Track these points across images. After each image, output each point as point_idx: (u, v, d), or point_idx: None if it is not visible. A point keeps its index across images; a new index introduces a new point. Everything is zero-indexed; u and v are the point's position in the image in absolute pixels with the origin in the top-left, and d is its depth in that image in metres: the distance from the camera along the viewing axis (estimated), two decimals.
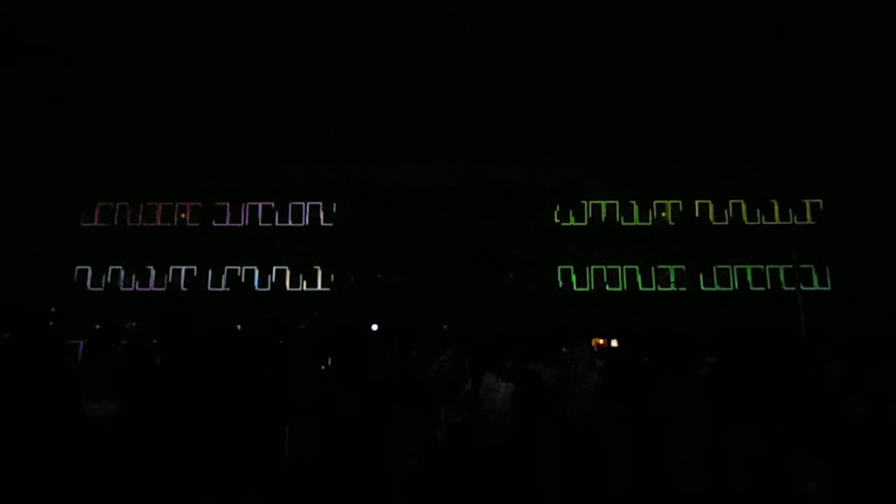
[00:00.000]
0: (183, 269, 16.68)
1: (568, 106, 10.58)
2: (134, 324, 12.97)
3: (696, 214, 16.47)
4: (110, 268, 16.56)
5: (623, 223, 16.48)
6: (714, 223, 16.46)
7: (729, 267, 16.25)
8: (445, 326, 15.26)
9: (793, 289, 14.15)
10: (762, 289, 15.95)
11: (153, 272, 16.63)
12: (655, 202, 16.55)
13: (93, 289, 16.42)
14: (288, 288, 16.57)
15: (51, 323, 13.16)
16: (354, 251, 16.79)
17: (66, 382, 3.97)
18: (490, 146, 13.71)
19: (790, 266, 15.12)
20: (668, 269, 16.29)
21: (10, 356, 4.00)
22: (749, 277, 16.19)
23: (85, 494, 3.58)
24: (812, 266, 15.70)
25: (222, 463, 3.87)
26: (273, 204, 16.93)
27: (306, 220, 16.95)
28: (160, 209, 16.91)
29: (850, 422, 4.06)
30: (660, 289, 16.12)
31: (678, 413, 5.05)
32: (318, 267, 16.74)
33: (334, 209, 16.73)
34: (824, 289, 15.78)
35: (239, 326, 14.31)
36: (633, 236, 16.36)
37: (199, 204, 16.82)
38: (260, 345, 5.65)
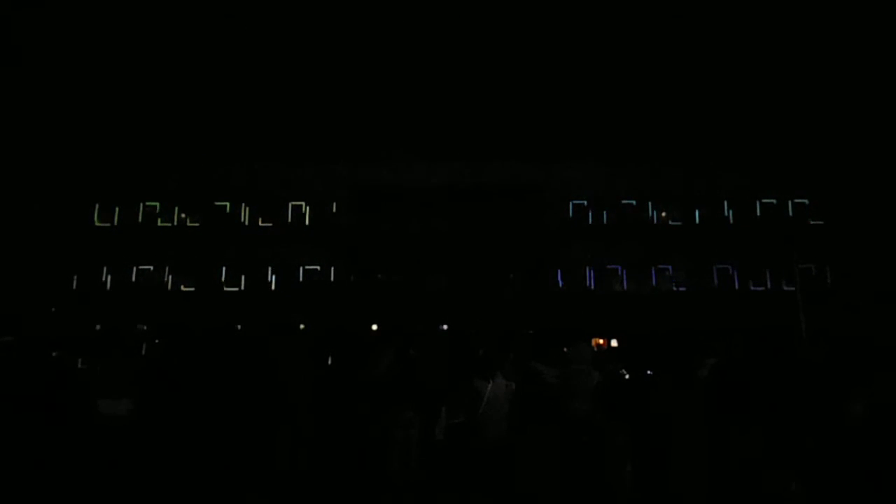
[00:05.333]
0: (182, 269, 16.67)
1: (568, 107, 10.58)
2: (145, 327, 12.99)
3: (697, 215, 16.49)
4: (107, 268, 16.56)
5: (623, 223, 16.48)
6: (714, 223, 16.47)
7: (729, 267, 16.27)
8: (445, 326, 15.28)
9: (793, 289, 14.16)
10: (762, 289, 15.96)
11: (153, 273, 16.63)
12: (656, 202, 16.56)
13: (92, 289, 16.41)
14: (287, 288, 16.56)
15: (51, 324, 13.18)
16: (354, 251, 16.79)
17: (70, 384, 3.99)
18: (490, 147, 13.71)
19: (790, 266, 15.12)
20: (667, 269, 16.30)
21: (13, 359, 4.02)
22: (749, 278, 16.20)
23: (94, 493, 3.60)
24: (812, 266, 15.71)
25: (222, 463, 3.88)
26: (273, 204, 16.93)
27: (306, 220, 16.96)
28: (159, 209, 16.92)
29: (849, 424, 4.06)
30: (660, 289, 16.12)
31: (678, 413, 5.05)
32: (318, 267, 16.74)
33: (334, 209, 16.73)
34: (824, 290, 15.78)
35: (238, 327, 14.33)
36: (633, 236, 16.37)
37: (200, 204, 16.83)
38: (259, 345, 5.66)
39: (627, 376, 5.64)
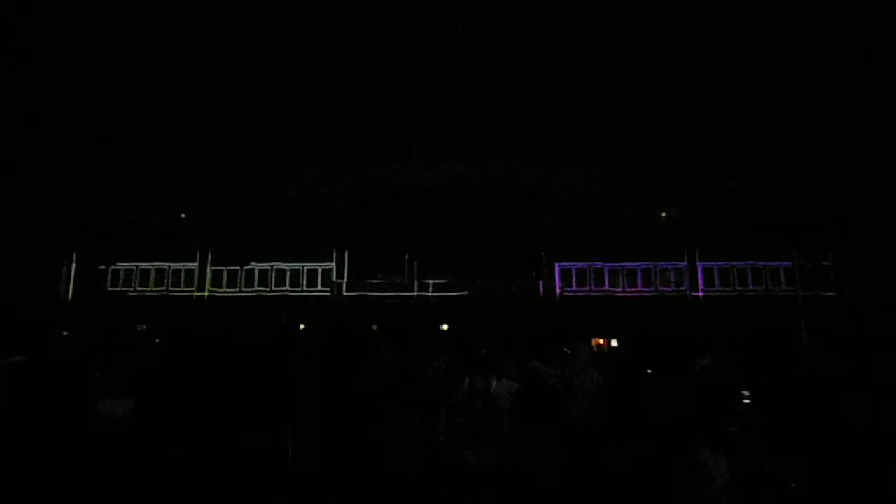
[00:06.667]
0: (183, 269, 16.68)
1: (568, 107, 10.58)
2: (144, 327, 12.99)
3: (697, 215, 16.48)
4: (111, 268, 16.57)
5: (622, 223, 16.49)
6: (714, 223, 16.47)
7: (729, 267, 16.27)
8: (445, 327, 15.29)
9: (793, 289, 14.17)
10: (762, 289, 15.97)
11: (153, 273, 16.63)
12: (655, 203, 16.56)
13: (95, 290, 16.43)
14: (288, 288, 16.58)
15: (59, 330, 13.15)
16: (354, 251, 16.82)
17: (78, 396, 4.00)
18: (491, 147, 13.70)
19: (791, 266, 15.13)
20: (667, 270, 16.31)
21: (25, 378, 4.03)
22: (749, 277, 16.21)
23: (96, 493, 3.61)
24: (813, 264, 15.71)
25: (225, 463, 3.89)
26: (273, 204, 16.93)
27: (306, 220, 16.96)
28: (160, 209, 16.91)
29: (849, 422, 4.07)
30: (662, 289, 16.13)
31: (677, 414, 5.06)
32: (318, 267, 16.77)
33: (334, 209, 16.74)
34: (826, 291, 15.78)
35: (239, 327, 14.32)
36: (633, 237, 16.38)
37: (200, 204, 16.82)
38: (261, 346, 5.67)
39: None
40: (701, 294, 16.04)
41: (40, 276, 15.42)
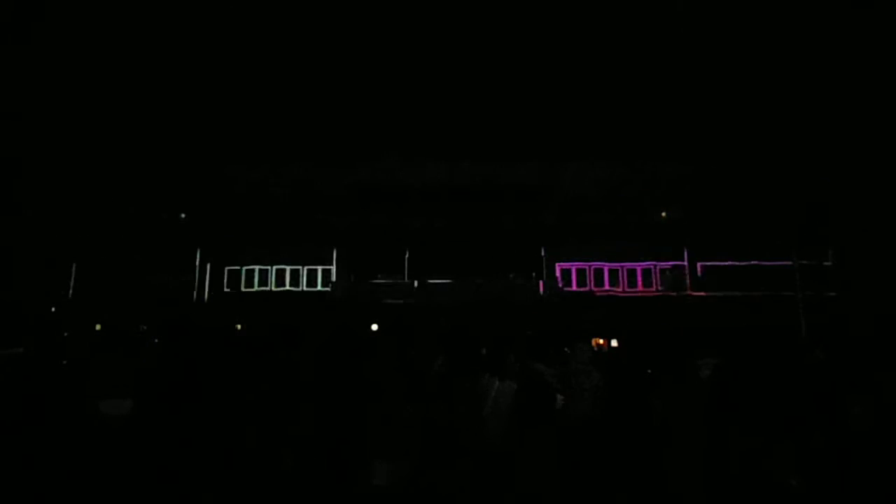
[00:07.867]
0: (182, 269, 16.68)
1: (569, 107, 10.58)
2: (145, 327, 13.01)
3: (696, 215, 16.48)
4: (107, 268, 16.55)
5: (623, 223, 16.49)
6: (714, 223, 16.47)
7: (728, 267, 16.27)
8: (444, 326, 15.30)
9: (793, 290, 14.16)
10: (762, 289, 15.96)
11: (153, 273, 16.63)
12: (655, 203, 16.55)
13: (94, 289, 16.43)
14: (288, 288, 16.58)
15: (55, 326, 13.17)
16: (354, 251, 16.82)
17: (74, 389, 4.01)
18: (491, 147, 13.69)
19: (791, 266, 15.11)
20: (667, 270, 16.31)
21: (24, 369, 4.04)
22: (749, 278, 16.21)
23: (97, 493, 3.61)
24: (813, 263, 15.70)
25: (224, 462, 3.89)
26: (273, 203, 16.92)
27: (306, 220, 16.96)
28: (159, 210, 16.90)
29: (851, 424, 4.06)
30: (658, 289, 16.13)
31: (678, 414, 5.06)
32: (318, 267, 16.76)
33: (335, 209, 16.74)
34: (826, 292, 15.77)
35: (239, 327, 14.33)
36: (633, 237, 16.38)
37: (199, 203, 16.82)
38: (260, 345, 5.67)
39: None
40: (700, 294, 16.02)
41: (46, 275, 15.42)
